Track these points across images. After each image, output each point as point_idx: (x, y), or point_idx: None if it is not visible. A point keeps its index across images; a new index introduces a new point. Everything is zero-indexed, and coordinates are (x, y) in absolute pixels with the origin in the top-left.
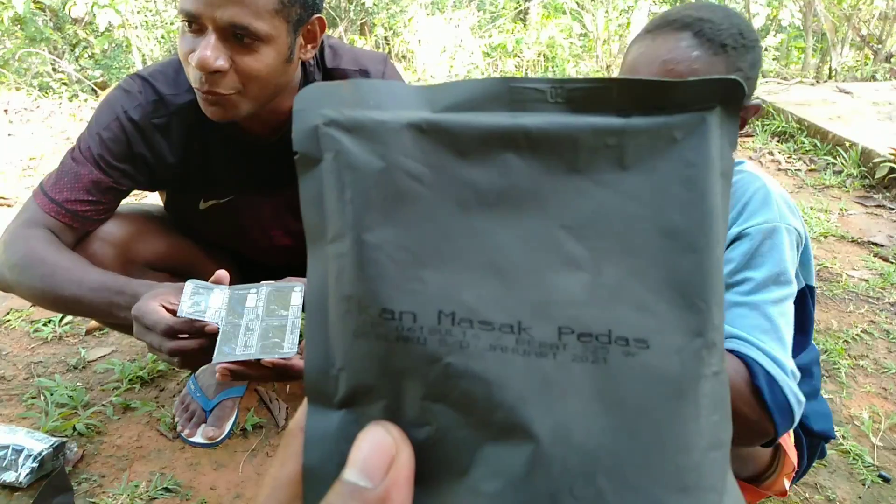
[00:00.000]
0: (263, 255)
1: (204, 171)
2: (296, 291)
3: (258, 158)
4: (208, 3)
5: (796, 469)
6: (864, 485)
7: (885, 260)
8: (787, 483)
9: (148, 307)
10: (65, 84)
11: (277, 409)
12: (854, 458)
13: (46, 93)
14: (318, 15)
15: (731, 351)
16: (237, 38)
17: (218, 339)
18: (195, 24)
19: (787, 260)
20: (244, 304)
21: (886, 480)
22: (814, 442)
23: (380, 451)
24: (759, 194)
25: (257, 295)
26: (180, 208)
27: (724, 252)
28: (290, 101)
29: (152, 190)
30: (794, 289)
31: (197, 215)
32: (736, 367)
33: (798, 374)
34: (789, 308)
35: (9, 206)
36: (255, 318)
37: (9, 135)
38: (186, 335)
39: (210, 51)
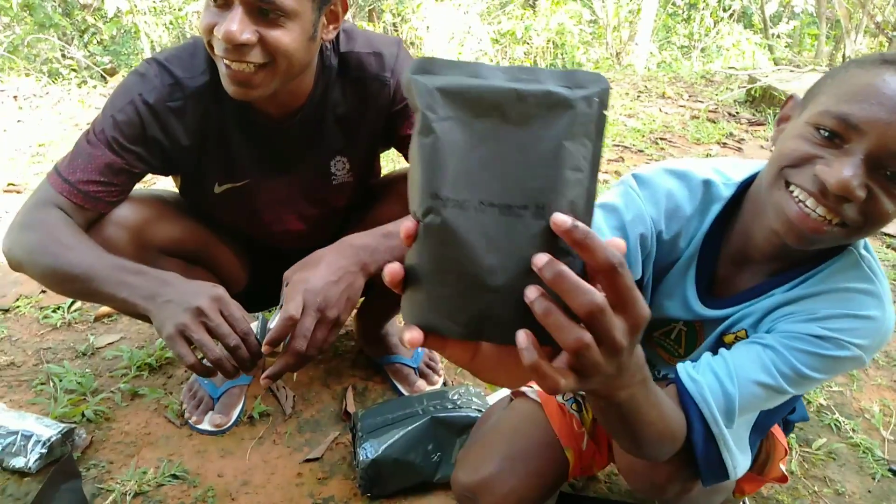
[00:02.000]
0: (276, 240)
1: (220, 153)
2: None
3: (275, 141)
4: None
5: (787, 452)
6: (873, 479)
7: None
8: (782, 467)
9: (228, 298)
10: (74, 70)
11: (284, 398)
12: (864, 452)
13: (56, 79)
14: None
15: (685, 392)
16: (263, 12)
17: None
18: None
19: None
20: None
21: None
22: (789, 426)
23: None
24: (881, 323)
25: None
26: (195, 192)
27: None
28: (308, 83)
29: (166, 174)
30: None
31: (212, 199)
32: (679, 415)
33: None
34: (774, 402)
35: (18, 192)
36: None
37: (18, 121)
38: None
39: (237, 24)
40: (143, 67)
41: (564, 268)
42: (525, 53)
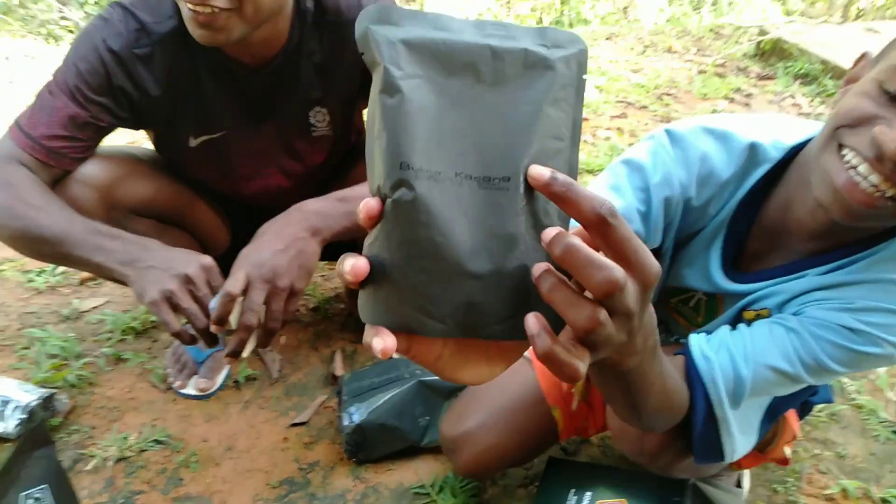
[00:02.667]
0: (258, 198)
1: (193, 104)
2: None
3: (250, 89)
4: None
5: (796, 436)
6: (877, 441)
7: None
8: (787, 450)
9: (217, 268)
10: (71, 32)
11: (271, 361)
12: (867, 414)
13: (55, 40)
14: None
15: (694, 369)
16: None
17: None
18: None
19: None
20: None
21: None
22: (808, 407)
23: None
24: None
25: None
26: (170, 147)
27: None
28: (282, 28)
29: (136, 128)
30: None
31: (188, 154)
32: (682, 389)
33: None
34: (789, 388)
35: None
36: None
37: (10, 82)
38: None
39: None
40: (106, 12)
41: (576, 240)
42: (531, 9)
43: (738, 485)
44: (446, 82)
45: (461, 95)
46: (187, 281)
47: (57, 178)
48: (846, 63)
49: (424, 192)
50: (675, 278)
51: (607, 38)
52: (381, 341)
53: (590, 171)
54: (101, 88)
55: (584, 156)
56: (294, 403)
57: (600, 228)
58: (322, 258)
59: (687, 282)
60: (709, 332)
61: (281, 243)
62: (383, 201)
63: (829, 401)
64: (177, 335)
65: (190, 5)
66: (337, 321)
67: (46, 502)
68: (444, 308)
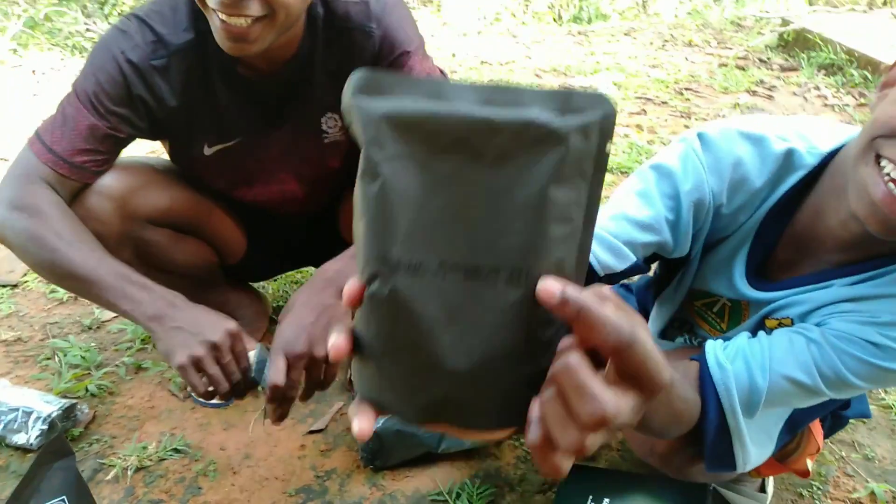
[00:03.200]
0: (272, 203)
1: (208, 113)
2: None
3: (264, 96)
4: None
5: (820, 450)
6: None
7: None
8: (809, 463)
9: (241, 333)
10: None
11: None
12: None
13: (80, 52)
14: None
15: (708, 377)
16: None
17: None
18: None
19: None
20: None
21: None
22: (841, 421)
23: None
24: None
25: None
26: (185, 157)
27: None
28: (296, 34)
29: (154, 138)
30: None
31: (203, 162)
32: (694, 399)
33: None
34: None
35: None
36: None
37: (34, 95)
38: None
39: None
40: (122, 24)
41: (573, 360)
42: (549, 6)
43: (763, 489)
44: (435, 161)
45: (452, 176)
46: (214, 348)
47: (76, 191)
48: (873, 52)
49: (402, 288)
50: (701, 282)
51: (626, 34)
52: (358, 425)
53: (608, 170)
54: (120, 99)
55: None
56: (311, 410)
57: (619, 355)
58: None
59: (711, 287)
60: (728, 339)
61: (311, 315)
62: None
63: (865, 415)
64: (201, 395)
65: (223, 16)
66: None
67: None
68: (422, 399)
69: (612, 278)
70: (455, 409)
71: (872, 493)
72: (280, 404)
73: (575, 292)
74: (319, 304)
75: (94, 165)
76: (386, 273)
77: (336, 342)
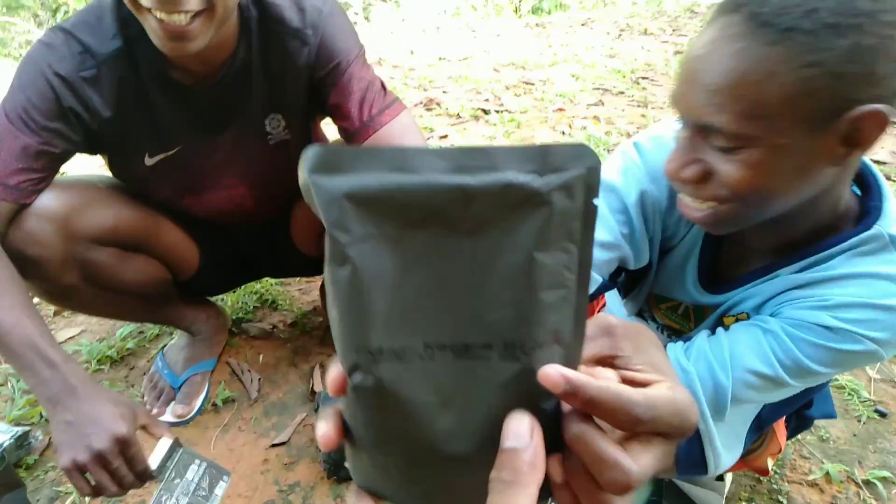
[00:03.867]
0: (221, 212)
1: (145, 122)
2: (223, 482)
3: (201, 101)
4: None
5: (782, 450)
6: (859, 421)
7: (889, 179)
8: (770, 462)
9: (130, 439)
10: None
11: (250, 381)
12: (850, 394)
13: None
14: None
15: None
16: None
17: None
18: None
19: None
20: (185, 473)
21: (883, 415)
22: (806, 422)
23: None
24: None
25: (198, 470)
26: (126, 169)
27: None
28: (229, 35)
29: (92, 152)
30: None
31: (145, 175)
32: None
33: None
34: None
35: None
36: (184, 494)
37: None
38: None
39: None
40: (47, 37)
41: (589, 430)
42: None
43: (721, 478)
44: (408, 238)
45: (429, 250)
46: (100, 458)
47: (14, 213)
48: None
49: (387, 376)
50: (660, 288)
51: (583, 24)
52: None
53: None
54: (51, 114)
55: None
56: (274, 423)
57: (636, 429)
58: (300, 273)
59: (671, 293)
60: (688, 339)
61: None
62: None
63: (830, 415)
64: (84, 493)
65: (160, 15)
66: (315, 336)
67: None
68: (422, 487)
69: None
70: (461, 493)
71: (827, 474)
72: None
73: (580, 380)
74: None
75: (30, 184)
76: (368, 363)
77: (325, 432)
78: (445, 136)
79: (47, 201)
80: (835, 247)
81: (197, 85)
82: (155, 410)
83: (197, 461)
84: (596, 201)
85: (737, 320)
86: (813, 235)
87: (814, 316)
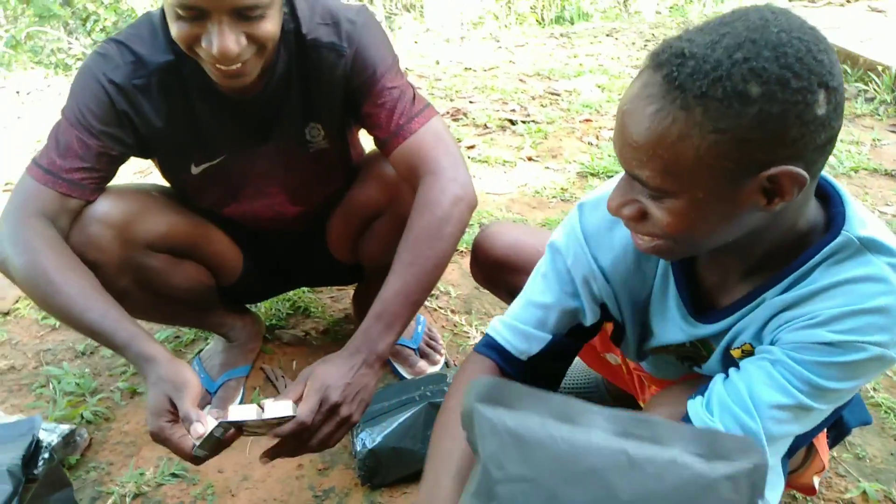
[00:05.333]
0: (262, 220)
1: (191, 131)
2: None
3: (245, 112)
4: None
5: (825, 468)
6: None
7: None
8: (815, 480)
9: (186, 381)
10: (79, 60)
11: (283, 387)
12: (886, 412)
13: (65, 70)
14: None
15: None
16: (245, 16)
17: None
18: (192, 10)
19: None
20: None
21: None
22: (844, 431)
23: None
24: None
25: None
26: (174, 175)
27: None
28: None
29: (144, 156)
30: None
31: (192, 182)
32: None
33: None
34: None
35: None
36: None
37: (18, 117)
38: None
39: (229, 41)
40: (102, 48)
41: None
42: (531, 8)
43: None
44: (565, 493)
45: None
46: (154, 437)
47: (77, 210)
48: (851, 46)
49: None
50: (658, 338)
51: (608, 35)
52: None
53: (594, 175)
54: (107, 118)
55: (588, 158)
56: None
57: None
58: (335, 282)
59: (670, 339)
60: (706, 374)
61: (348, 375)
62: None
63: (866, 421)
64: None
65: (220, 66)
66: (344, 342)
67: None
68: None
69: (539, 359)
70: None
71: (864, 493)
72: (293, 444)
73: None
74: (353, 369)
75: (91, 182)
76: None
77: None
78: (473, 146)
79: (107, 208)
80: (810, 260)
81: (240, 96)
82: None
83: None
84: (761, 502)
85: (743, 352)
86: (784, 254)
87: (810, 335)
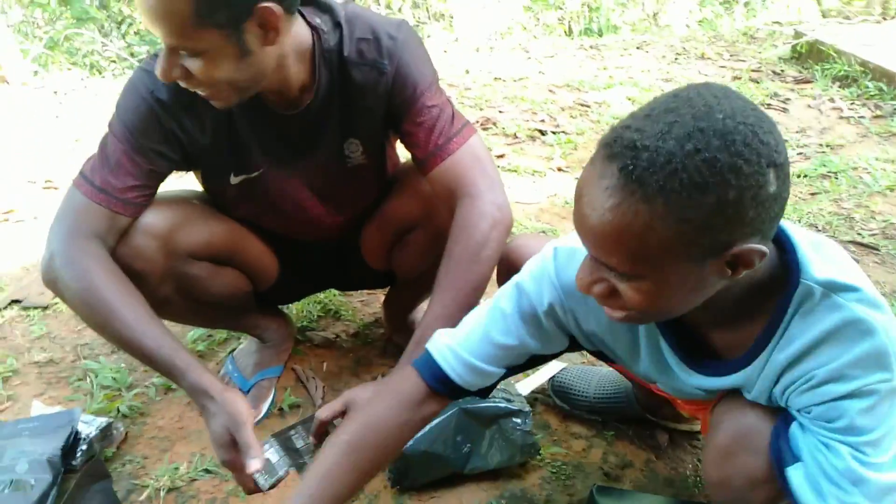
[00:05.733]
0: (299, 230)
1: (232, 144)
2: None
3: (285, 129)
4: (147, 22)
5: None
6: None
7: None
8: None
9: (241, 421)
10: (114, 62)
11: (314, 388)
12: None
13: (99, 71)
14: (263, 4)
15: None
16: (177, 52)
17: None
18: None
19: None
20: (295, 446)
21: None
22: None
23: None
24: (880, 339)
25: (298, 434)
26: (214, 186)
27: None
28: (302, 72)
29: (187, 170)
30: None
31: (230, 192)
32: None
33: None
34: None
35: (55, 188)
36: (309, 454)
37: (56, 117)
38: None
39: (163, 65)
40: (147, 64)
41: None
42: (559, 19)
43: None
44: None
45: None
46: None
47: (126, 228)
48: (887, 63)
49: None
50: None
51: (638, 48)
52: None
53: None
54: (156, 136)
55: None
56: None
57: None
58: (366, 286)
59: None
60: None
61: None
62: None
63: None
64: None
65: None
66: (377, 346)
67: None
68: None
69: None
70: None
71: None
72: None
73: None
74: None
75: (143, 199)
76: None
77: None
78: (502, 156)
79: (151, 219)
80: (784, 313)
81: (283, 112)
82: None
83: (292, 431)
84: None
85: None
86: (755, 300)
87: (822, 394)
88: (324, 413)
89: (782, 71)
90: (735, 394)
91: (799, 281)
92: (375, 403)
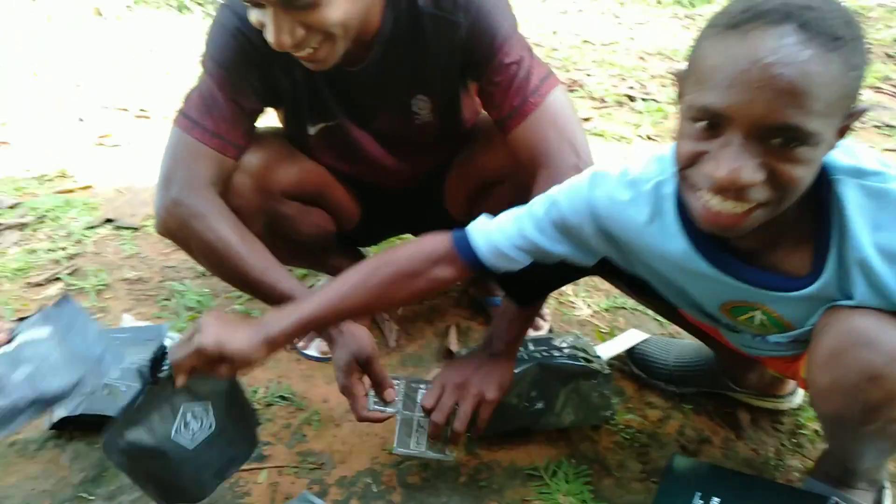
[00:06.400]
0: (382, 179)
1: (309, 94)
2: (422, 389)
3: (352, 83)
4: None
5: None
6: None
7: None
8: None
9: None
10: (199, 4)
11: (389, 330)
12: None
13: (188, 10)
14: None
15: None
16: (294, 6)
17: (397, 428)
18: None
19: None
20: (416, 398)
21: None
22: None
23: None
24: None
25: (426, 390)
26: (293, 133)
27: None
28: (373, 22)
29: (275, 107)
30: None
31: (309, 140)
32: None
33: None
34: None
35: (147, 117)
36: (422, 416)
37: (150, 50)
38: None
39: (279, 33)
40: (231, 2)
41: None
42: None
43: (879, 502)
44: None
45: None
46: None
47: (232, 170)
48: None
49: None
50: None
51: None
52: None
53: None
54: (251, 75)
55: None
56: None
57: None
58: None
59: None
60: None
61: (471, 367)
62: None
63: None
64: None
65: (296, 53)
66: (451, 297)
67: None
68: None
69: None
70: None
71: None
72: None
73: None
74: (476, 362)
75: (246, 142)
76: None
77: None
78: (589, 119)
79: (248, 157)
80: (829, 211)
81: (351, 65)
82: (301, 343)
83: (423, 385)
84: None
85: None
86: (798, 213)
87: None
88: (427, 401)
89: None
90: (832, 308)
91: (830, 179)
92: (403, 247)
